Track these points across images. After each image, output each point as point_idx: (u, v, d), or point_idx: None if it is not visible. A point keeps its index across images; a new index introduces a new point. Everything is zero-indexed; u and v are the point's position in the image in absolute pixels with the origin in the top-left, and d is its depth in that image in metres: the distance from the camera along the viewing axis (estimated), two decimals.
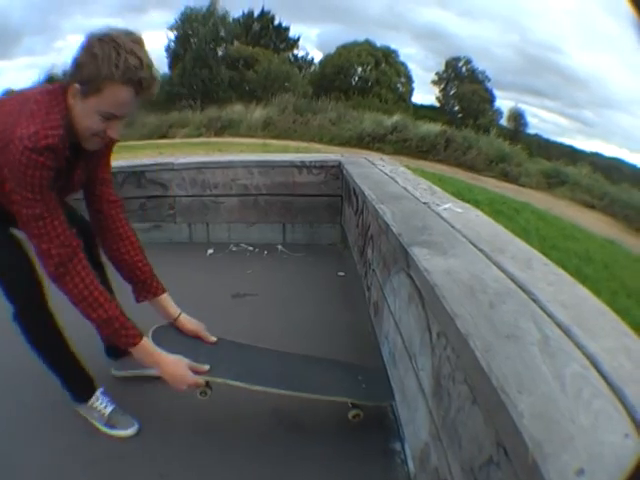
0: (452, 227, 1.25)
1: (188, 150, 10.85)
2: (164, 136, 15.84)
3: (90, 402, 1.39)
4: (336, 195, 2.92)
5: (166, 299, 1.39)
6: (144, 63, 1.12)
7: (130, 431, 1.36)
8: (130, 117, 1.26)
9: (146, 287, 1.37)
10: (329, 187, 2.93)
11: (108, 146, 1.33)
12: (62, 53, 30.63)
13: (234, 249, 2.95)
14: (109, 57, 1.08)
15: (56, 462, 1.27)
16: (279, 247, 2.96)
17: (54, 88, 1.20)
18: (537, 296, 0.83)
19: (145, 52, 1.14)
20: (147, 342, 1.23)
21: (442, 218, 1.34)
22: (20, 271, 1.27)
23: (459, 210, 1.42)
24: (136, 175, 2.97)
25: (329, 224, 3.00)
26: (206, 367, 1.27)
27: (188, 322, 1.40)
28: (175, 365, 1.24)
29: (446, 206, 1.46)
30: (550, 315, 0.78)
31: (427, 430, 1.00)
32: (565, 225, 8.92)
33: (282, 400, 1.38)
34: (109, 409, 1.38)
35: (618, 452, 0.54)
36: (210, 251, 2.88)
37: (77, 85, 1.12)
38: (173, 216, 3.07)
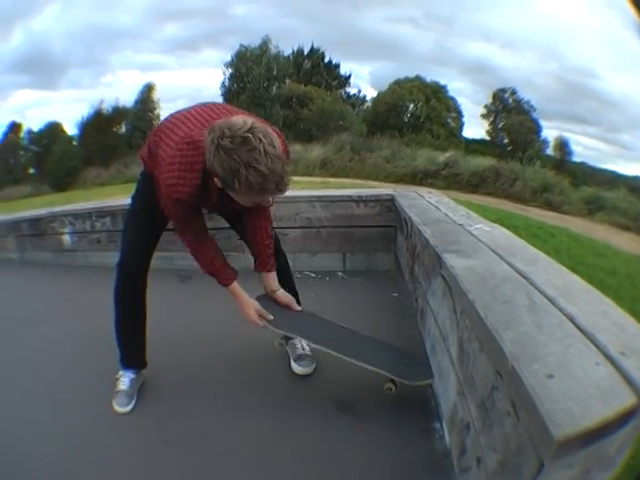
0: (479, 240, 1.53)
1: None
2: None
3: (120, 373, 1.81)
4: (390, 226, 3.15)
5: (272, 275, 1.75)
6: (265, 174, 1.16)
7: (119, 409, 1.72)
8: None
9: (263, 264, 1.73)
10: (384, 219, 3.16)
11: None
12: (112, 88, 32.54)
13: (299, 276, 3.21)
14: (233, 173, 1.16)
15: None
16: (339, 274, 3.23)
17: (200, 143, 1.28)
18: (534, 281, 1.10)
19: (264, 157, 1.15)
20: (236, 285, 1.66)
21: (472, 234, 1.63)
22: (140, 240, 1.69)
23: (487, 229, 1.71)
24: None
25: (384, 252, 3.22)
26: (270, 317, 1.65)
27: (283, 295, 1.76)
28: (247, 305, 1.65)
29: (477, 226, 1.75)
30: (541, 291, 1.04)
31: (455, 390, 1.27)
32: (596, 245, 8.83)
33: (338, 388, 1.72)
34: (122, 387, 1.77)
35: (589, 372, 0.72)
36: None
37: (217, 180, 1.25)
38: (241, 246, 3.42)
